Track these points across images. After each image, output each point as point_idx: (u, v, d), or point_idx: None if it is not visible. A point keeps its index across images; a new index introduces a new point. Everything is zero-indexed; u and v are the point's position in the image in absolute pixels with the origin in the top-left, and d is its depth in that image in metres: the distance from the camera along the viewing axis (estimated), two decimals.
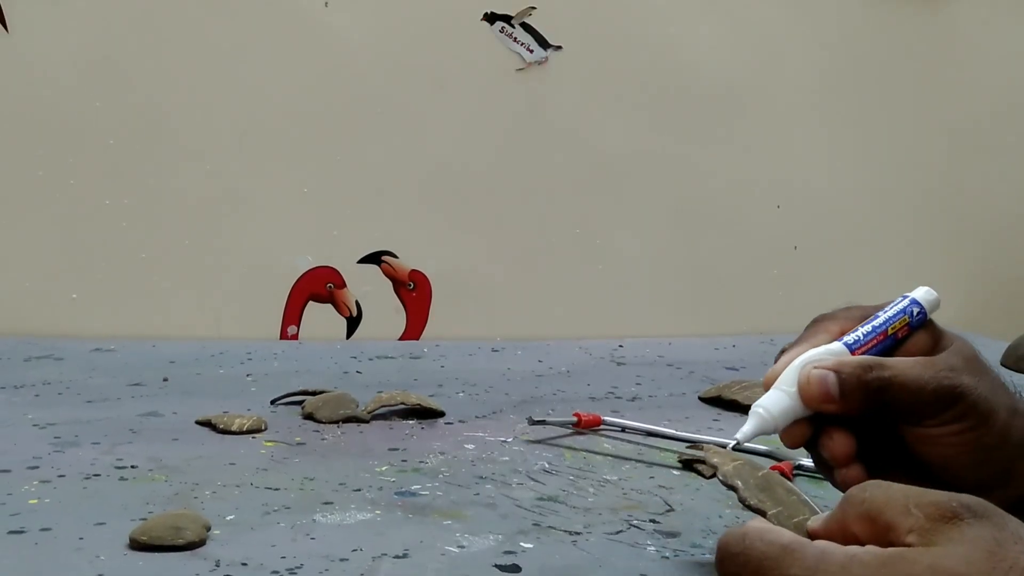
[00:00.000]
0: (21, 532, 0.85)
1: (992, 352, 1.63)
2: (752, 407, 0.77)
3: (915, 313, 0.79)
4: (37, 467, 1.02)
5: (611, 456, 1.13)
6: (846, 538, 0.60)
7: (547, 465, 1.09)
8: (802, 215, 1.90)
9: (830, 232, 1.92)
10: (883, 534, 0.59)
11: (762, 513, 0.70)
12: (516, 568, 0.82)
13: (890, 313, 0.79)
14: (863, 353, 0.77)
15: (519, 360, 1.60)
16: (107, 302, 1.65)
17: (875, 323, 0.79)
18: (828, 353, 0.77)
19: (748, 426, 0.76)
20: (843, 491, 0.70)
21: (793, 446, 0.78)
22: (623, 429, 1.21)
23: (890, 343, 0.79)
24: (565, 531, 0.90)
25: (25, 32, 1.60)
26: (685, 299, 1.85)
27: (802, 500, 0.75)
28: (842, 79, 1.91)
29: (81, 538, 0.84)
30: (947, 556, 0.56)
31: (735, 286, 1.87)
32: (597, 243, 1.81)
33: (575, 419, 1.19)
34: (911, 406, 0.75)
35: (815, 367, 0.75)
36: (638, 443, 1.17)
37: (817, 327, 0.81)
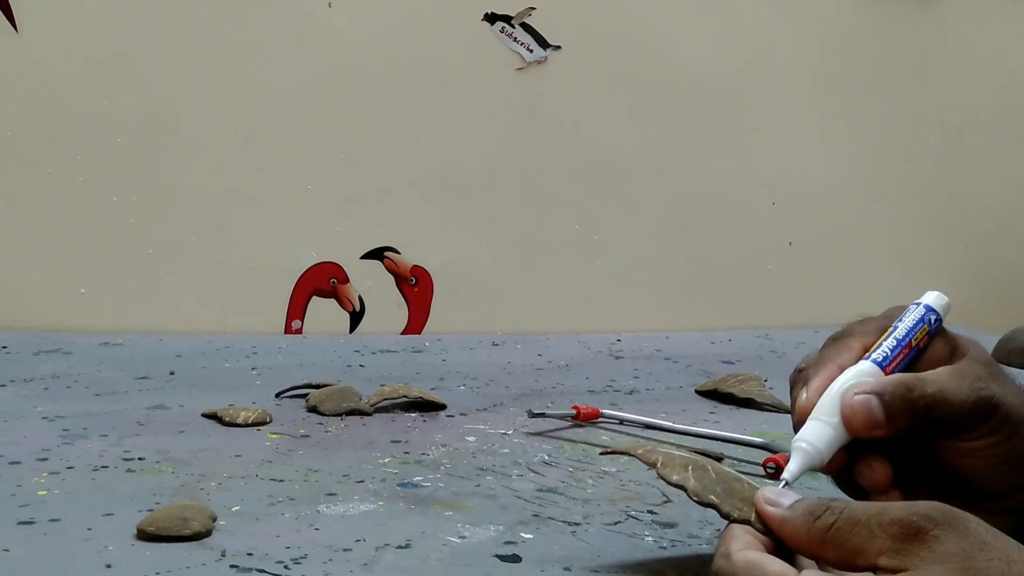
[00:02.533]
0: (31, 523, 0.86)
1: (983, 346, 1.64)
2: (793, 442, 0.74)
3: (932, 321, 0.78)
4: (46, 459, 1.03)
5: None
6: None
7: (547, 457, 1.09)
8: (797, 211, 1.90)
9: (825, 228, 1.92)
10: (851, 559, 0.61)
11: (748, 523, 0.68)
12: (516, 558, 0.82)
13: (909, 324, 0.77)
14: (894, 369, 0.75)
15: (519, 354, 1.61)
16: (115, 297, 1.66)
17: (897, 335, 0.77)
18: (861, 375, 0.74)
19: (794, 464, 0.73)
20: None
21: (832, 473, 0.77)
22: (621, 422, 1.22)
23: (914, 354, 0.77)
24: (564, 522, 0.91)
25: (34, 32, 1.61)
26: (682, 294, 1.86)
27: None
28: (836, 77, 1.91)
29: (89, 529, 0.85)
30: None
31: (731, 281, 1.88)
32: (595, 239, 1.82)
33: (574, 412, 1.20)
34: (954, 421, 0.73)
35: (856, 392, 0.73)
36: (636, 435, 1.18)
37: (838, 345, 0.79)
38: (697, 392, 1.40)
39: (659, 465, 0.75)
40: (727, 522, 0.69)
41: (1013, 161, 2.00)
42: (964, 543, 0.58)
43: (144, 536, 0.83)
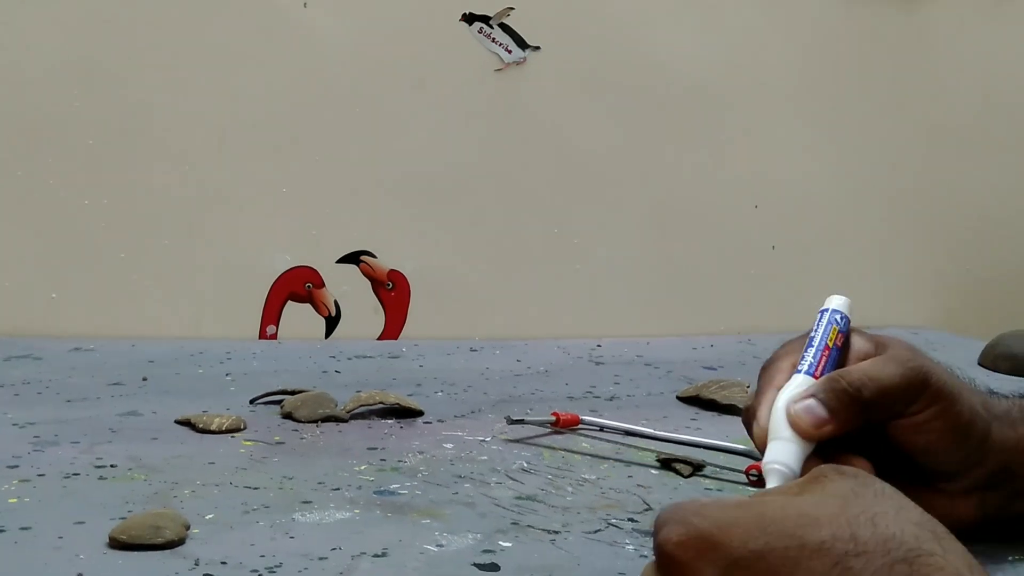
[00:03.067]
0: (1, 531, 0.85)
1: (969, 351, 1.64)
2: (764, 465, 0.79)
3: (840, 320, 0.85)
4: (17, 466, 1.02)
5: (589, 455, 1.13)
6: None
7: (526, 464, 1.09)
8: (780, 215, 1.90)
9: (808, 232, 1.92)
10: None
11: None
12: (495, 567, 0.82)
13: (820, 330, 0.84)
14: (822, 373, 0.81)
15: (497, 360, 1.61)
16: (86, 302, 1.65)
17: (814, 343, 0.83)
18: (795, 387, 0.80)
19: (772, 484, 0.77)
20: None
21: None
22: (601, 428, 1.21)
23: (836, 354, 0.83)
24: (543, 530, 0.90)
25: (3, 31, 1.60)
26: (663, 299, 1.86)
27: None
28: (819, 79, 1.91)
29: (61, 537, 0.84)
30: (802, 500, 0.63)
31: (713, 286, 1.87)
32: (575, 243, 1.81)
33: (553, 418, 1.20)
34: (890, 399, 0.79)
35: (795, 402, 0.79)
36: (616, 442, 1.18)
37: (770, 372, 0.86)
38: (678, 398, 1.40)
39: None
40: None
41: (998, 165, 2.01)
42: (859, 488, 0.63)
43: (116, 544, 0.83)
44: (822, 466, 0.66)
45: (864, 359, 0.83)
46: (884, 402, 0.79)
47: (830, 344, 0.83)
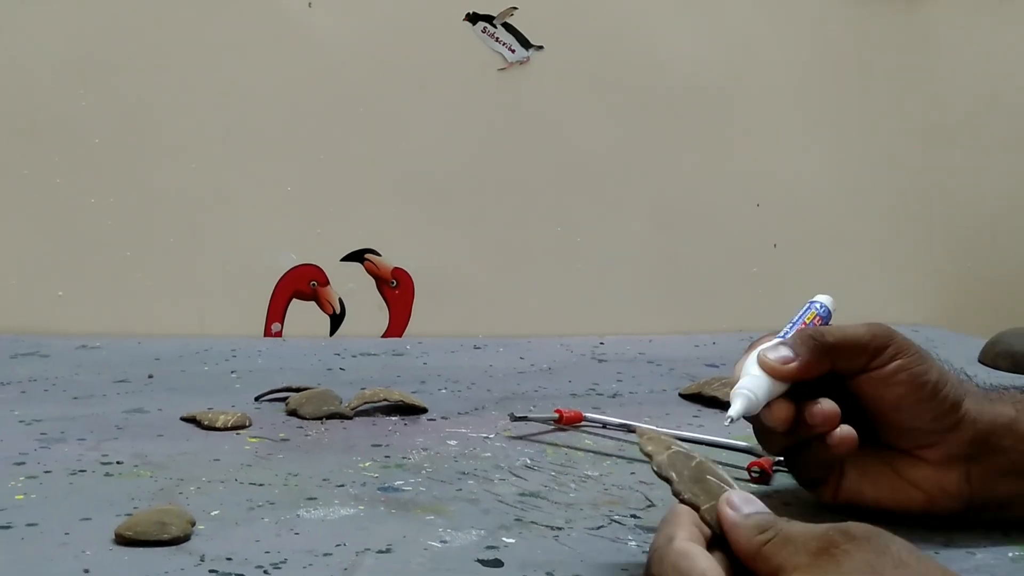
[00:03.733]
0: (8, 527, 0.86)
1: (969, 349, 1.64)
2: (734, 391, 0.85)
3: (820, 307, 0.93)
4: (23, 463, 1.02)
5: (592, 452, 1.13)
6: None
7: (529, 461, 1.09)
8: (781, 213, 1.90)
9: (809, 230, 1.92)
10: (775, 575, 0.64)
11: (696, 507, 0.72)
12: (498, 563, 0.82)
13: (801, 312, 0.93)
14: None
15: (501, 357, 1.61)
16: (93, 300, 1.65)
17: (792, 319, 0.92)
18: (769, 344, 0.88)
19: (736, 406, 0.84)
20: (838, 454, 0.86)
21: (782, 426, 0.86)
22: (604, 425, 1.21)
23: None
24: (547, 526, 0.90)
25: (9, 31, 1.60)
26: (665, 297, 1.86)
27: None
28: (820, 78, 1.91)
29: (67, 533, 0.85)
30: None
31: (715, 284, 1.87)
32: (578, 241, 1.81)
33: (556, 415, 1.20)
34: (853, 348, 0.85)
35: (764, 347, 0.86)
36: (619, 439, 1.18)
37: (756, 342, 0.90)
38: (681, 395, 1.40)
39: (643, 438, 0.80)
40: (677, 500, 0.74)
41: (999, 164, 2.00)
42: (876, 559, 0.60)
43: (122, 541, 0.83)
44: (829, 531, 0.63)
45: None
46: (847, 350, 0.85)
47: (807, 322, 0.91)
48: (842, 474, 0.89)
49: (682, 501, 0.73)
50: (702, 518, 0.71)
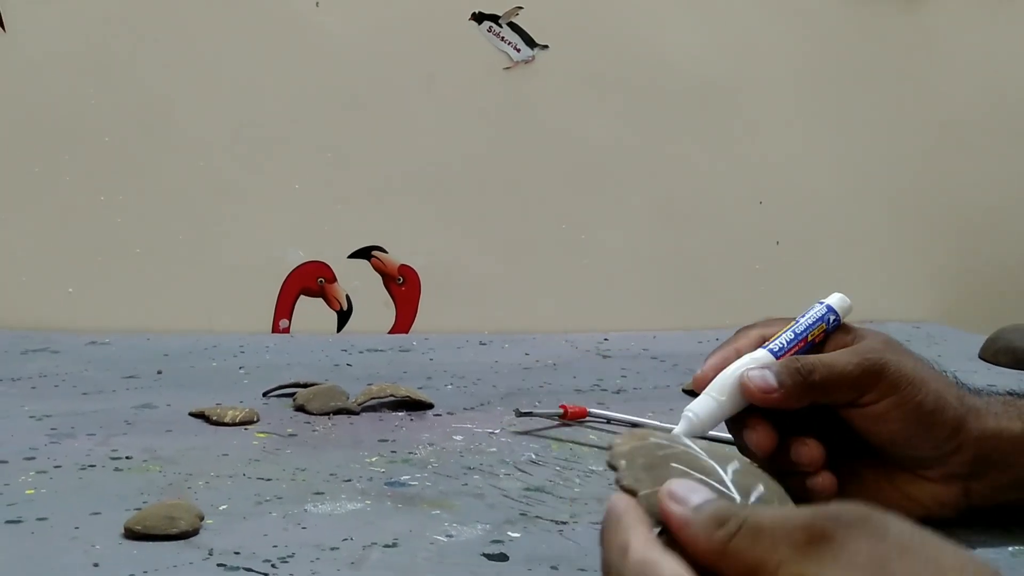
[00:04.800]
0: (18, 522, 0.86)
1: (970, 345, 1.64)
2: (684, 412, 0.83)
3: (831, 320, 0.86)
4: (34, 458, 1.03)
5: (596, 447, 1.13)
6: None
7: (534, 456, 1.10)
8: (784, 211, 1.91)
9: (811, 227, 1.92)
10: (752, 575, 0.53)
11: (632, 493, 0.61)
12: (503, 557, 0.83)
13: (809, 321, 0.86)
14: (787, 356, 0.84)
15: (506, 353, 1.61)
16: (102, 296, 1.66)
17: (796, 329, 0.85)
18: (755, 360, 0.83)
19: (679, 428, 0.82)
20: (816, 499, 0.78)
21: (763, 454, 0.82)
22: (608, 421, 1.22)
23: (809, 348, 0.85)
24: (552, 521, 0.91)
25: (21, 30, 1.61)
26: (669, 293, 1.86)
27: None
28: (822, 77, 1.91)
29: (77, 527, 0.85)
30: None
31: (718, 281, 1.88)
32: (583, 238, 1.82)
33: (561, 411, 1.20)
34: (841, 386, 0.80)
35: (751, 369, 0.82)
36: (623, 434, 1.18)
37: (740, 333, 0.87)
38: (684, 391, 1.39)
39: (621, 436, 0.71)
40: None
41: (1000, 160, 2.01)
42: (878, 547, 0.50)
43: (131, 535, 0.84)
44: (815, 518, 0.52)
45: (839, 347, 0.84)
46: (833, 387, 0.81)
47: (810, 338, 0.85)
48: (837, 483, 0.84)
49: (621, 488, 0.62)
50: (642, 507, 0.60)
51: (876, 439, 0.83)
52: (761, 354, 0.84)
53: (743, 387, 0.81)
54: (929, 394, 0.81)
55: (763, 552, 0.52)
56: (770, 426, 0.82)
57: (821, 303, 0.87)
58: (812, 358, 0.82)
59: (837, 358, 0.81)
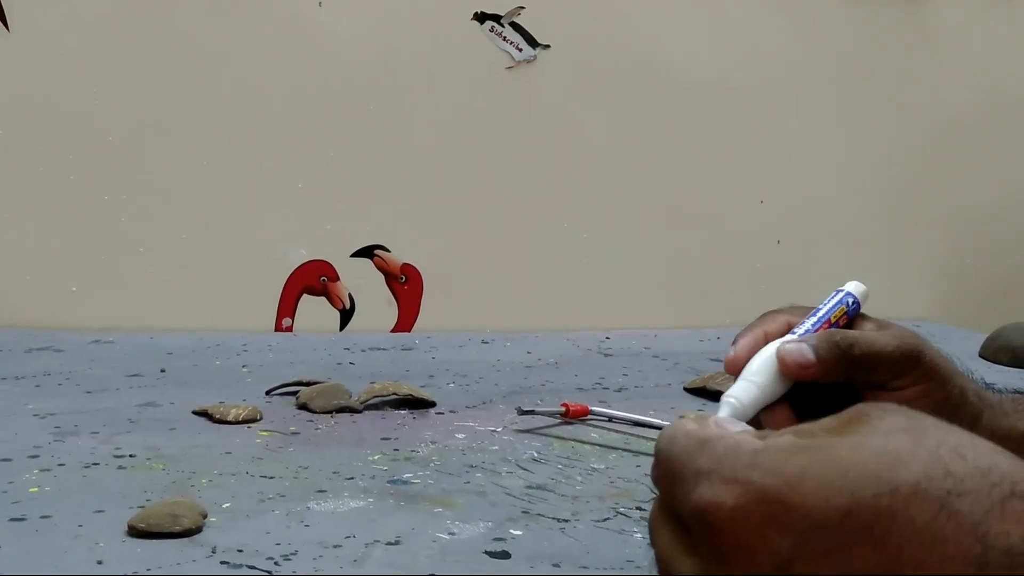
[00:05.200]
0: (22, 519, 0.87)
1: (970, 344, 1.65)
2: (723, 397, 0.78)
3: (851, 303, 0.84)
4: (38, 456, 1.03)
5: (598, 445, 1.14)
6: None
7: (536, 454, 1.10)
8: (785, 210, 1.91)
9: (812, 226, 1.93)
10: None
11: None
12: (506, 554, 0.83)
13: (830, 305, 0.84)
14: None
15: (508, 352, 1.61)
16: (106, 295, 1.66)
17: (819, 314, 0.83)
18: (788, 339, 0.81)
19: (721, 413, 0.77)
20: None
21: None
22: (610, 419, 1.22)
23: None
24: (553, 518, 0.91)
25: (25, 31, 1.61)
26: (670, 292, 1.86)
27: None
28: (823, 77, 1.92)
29: (80, 525, 0.86)
30: (866, 440, 0.50)
31: (719, 279, 1.88)
32: (584, 237, 1.82)
33: (563, 409, 1.21)
34: (880, 364, 0.78)
35: (786, 343, 0.78)
36: (625, 432, 1.19)
37: (767, 317, 0.84)
38: (685, 389, 1.40)
39: None
40: None
41: (1000, 160, 2.01)
42: (914, 420, 0.52)
43: (135, 532, 0.84)
44: (854, 406, 0.53)
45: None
46: (872, 364, 0.79)
47: (832, 320, 0.83)
48: None
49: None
50: None
51: None
52: (793, 336, 0.82)
53: (779, 360, 0.78)
54: (956, 388, 0.80)
55: (834, 421, 0.53)
56: (790, 410, 0.80)
57: (839, 290, 0.85)
58: (852, 332, 0.80)
59: (877, 336, 0.80)
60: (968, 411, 0.81)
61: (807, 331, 0.82)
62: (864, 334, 0.80)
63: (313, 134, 1.71)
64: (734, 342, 0.82)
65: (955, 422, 0.73)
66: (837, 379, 0.79)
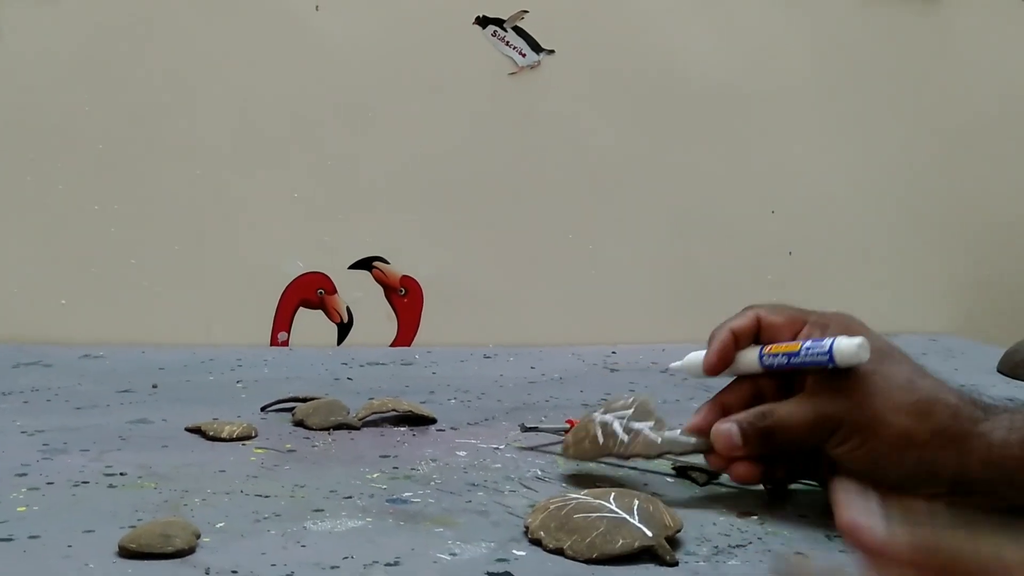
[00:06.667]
0: (9, 540, 0.85)
1: (987, 358, 1.63)
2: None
3: (831, 367, 0.90)
4: (25, 474, 1.02)
5: (603, 463, 1.12)
6: None
7: (540, 472, 1.08)
8: (797, 220, 1.90)
9: (825, 237, 1.92)
10: None
11: (560, 552, 0.84)
12: None
13: (808, 359, 0.92)
14: (773, 368, 0.95)
15: (511, 366, 1.61)
16: (96, 308, 1.66)
17: (795, 360, 0.93)
18: (744, 357, 0.99)
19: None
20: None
21: (747, 482, 0.97)
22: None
23: (794, 372, 0.94)
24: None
25: (14, 37, 1.60)
26: (679, 305, 1.85)
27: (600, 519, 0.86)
28: (836, 83, 1.91)
29: (70, 546, 0.84)
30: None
31: (729, 292, 1.86)
32: (590, 248, 1.81)
33: (568, 426, 1.19)
34: (797, 441, 0.92)
35: (720, 423, 0.95)
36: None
37: (740, 314, 1.02)
38: (695, 406, 1.38)
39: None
40: None
41: (1019, 169, 2.00)
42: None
43: (126, 553, 0.83)
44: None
45: (813, 388, 0.92)
46: (793, 440, 0.92)
47: (801, 369, 0.93)
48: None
49: (547, 551, 0.86)
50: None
51: (847, 471, 0.88)
52: (752, 353, 0.98)
53: (713, 439, 0.95)
54: (884, 441, 0.88)
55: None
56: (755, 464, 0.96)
57: (832, 347, 0.90)
58: (774, 413, 0.93)
59: (791, 411, 0.92)
60: (913, 452, 0.88)
61: (769, 362, 0.95)
62: (783, 416, 0.92)
63: (310, 142, 1.70)
64: (711, 336, 1.02)
65: (903, 464, 0.88)
66: (765, 451, 0.94)
